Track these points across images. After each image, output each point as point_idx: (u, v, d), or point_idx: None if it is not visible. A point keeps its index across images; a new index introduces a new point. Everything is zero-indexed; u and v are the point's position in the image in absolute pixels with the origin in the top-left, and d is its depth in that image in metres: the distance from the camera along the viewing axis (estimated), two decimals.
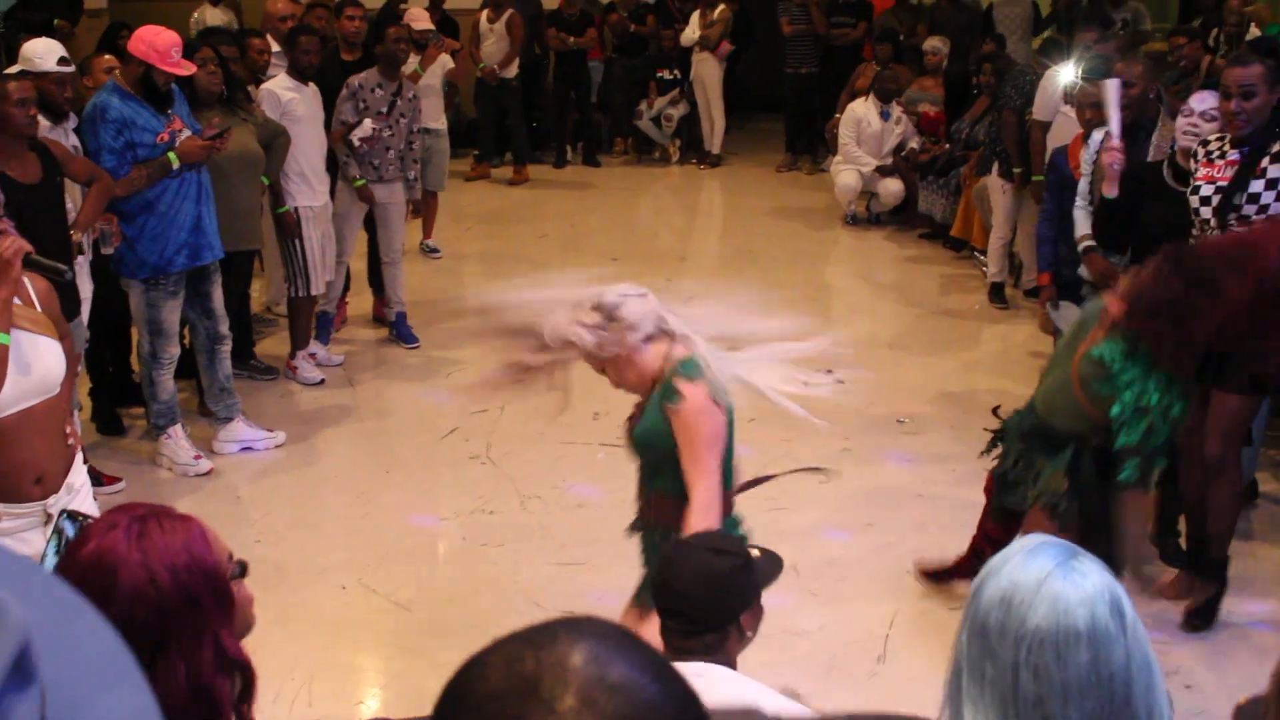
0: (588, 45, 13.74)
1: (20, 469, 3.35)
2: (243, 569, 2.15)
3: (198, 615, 2.01)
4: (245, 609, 2.15)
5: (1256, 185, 4.81)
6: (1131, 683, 1.92)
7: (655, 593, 2.90)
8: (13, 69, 6.00)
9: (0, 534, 3.30)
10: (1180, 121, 5.42)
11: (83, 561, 1.99)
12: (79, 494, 3.55)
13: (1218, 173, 4.96)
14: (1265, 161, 4.80)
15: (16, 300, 3.41)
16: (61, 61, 6.13)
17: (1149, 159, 5.76)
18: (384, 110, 7.70)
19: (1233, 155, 4.93)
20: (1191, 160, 5.17)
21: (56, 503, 3.43)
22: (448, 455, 6.65)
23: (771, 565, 3.02)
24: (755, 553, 3.00)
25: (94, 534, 2.05)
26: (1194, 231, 5.09)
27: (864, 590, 5.28)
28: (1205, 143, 5.11)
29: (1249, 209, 4.82)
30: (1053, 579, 1.92)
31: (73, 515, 2.50)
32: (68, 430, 3.58)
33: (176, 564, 2.00)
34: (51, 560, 2.47)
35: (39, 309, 3.50)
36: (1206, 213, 4.98)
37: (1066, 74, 7.62)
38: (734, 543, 3.00)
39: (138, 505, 2.12)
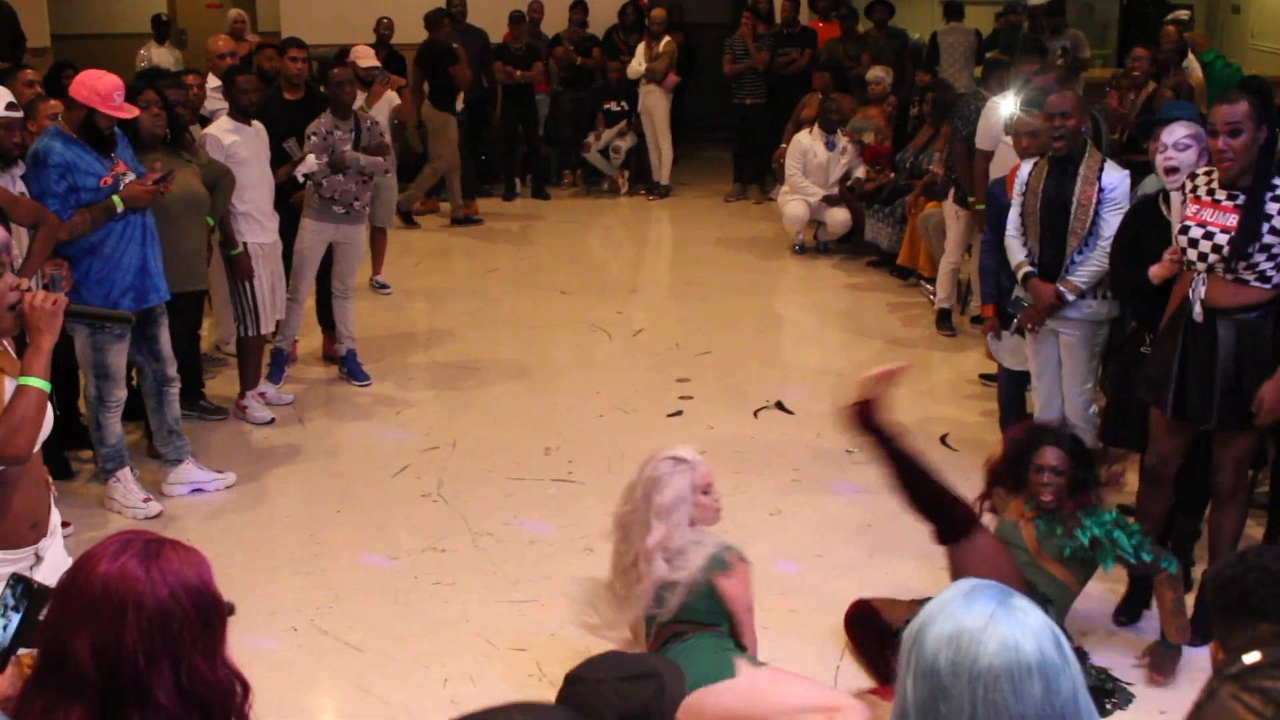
0: (534, 78, 13.79)
1: (22, 516, 3.45)
2: (230, 608, 2.31)
3: (210, 633, 2.19)
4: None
5: (1269, 237, 4.77)
6: (1079, 711, 1.99)
7: None
8: None
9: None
10: (1157, 158, 5.48)
11: (101, 576, 2.14)
12: (57, 536, 3.63)
13: (1210, 215, 4.91)
14: (1272, 209, 4.76)
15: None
16: (10, 106, 6.12)
17: (1079, 190, 5.83)
18: (349, 149, 7.75)
19: (1225, 200, 4.87)
20: (1178, 194, 5.21)
21: (43, 546, 3.51)
22: (399, 493, 6.64)
23: (677, 675, 2.85)
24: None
25: (106, 553, 2.17)
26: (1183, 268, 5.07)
27: (815, 622, 5.30)
28: (1193, 175, 5.07)
29: (1259, 258, 4.82)
30: (998, 618, 1.98)
31: (23, 578, 2.55)
32: (49, 478, 3.67)
33: (191, 585, 2.17)
34: (1, 625, 2.50)
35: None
36: (1194, 255, 4.93)
37: (1007, 105, 7.72)
38: (636, 660, 2.81)
39: (143, 532, 2.26)
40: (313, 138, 7.71)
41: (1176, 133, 5.35)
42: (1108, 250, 5.77)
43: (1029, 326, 6.12)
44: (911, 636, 2.05)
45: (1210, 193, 4.92)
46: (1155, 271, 5.26)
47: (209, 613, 2.19)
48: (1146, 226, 5.49)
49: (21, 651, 2.48)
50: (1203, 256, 4.89)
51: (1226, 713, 2.29)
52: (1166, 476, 5.23)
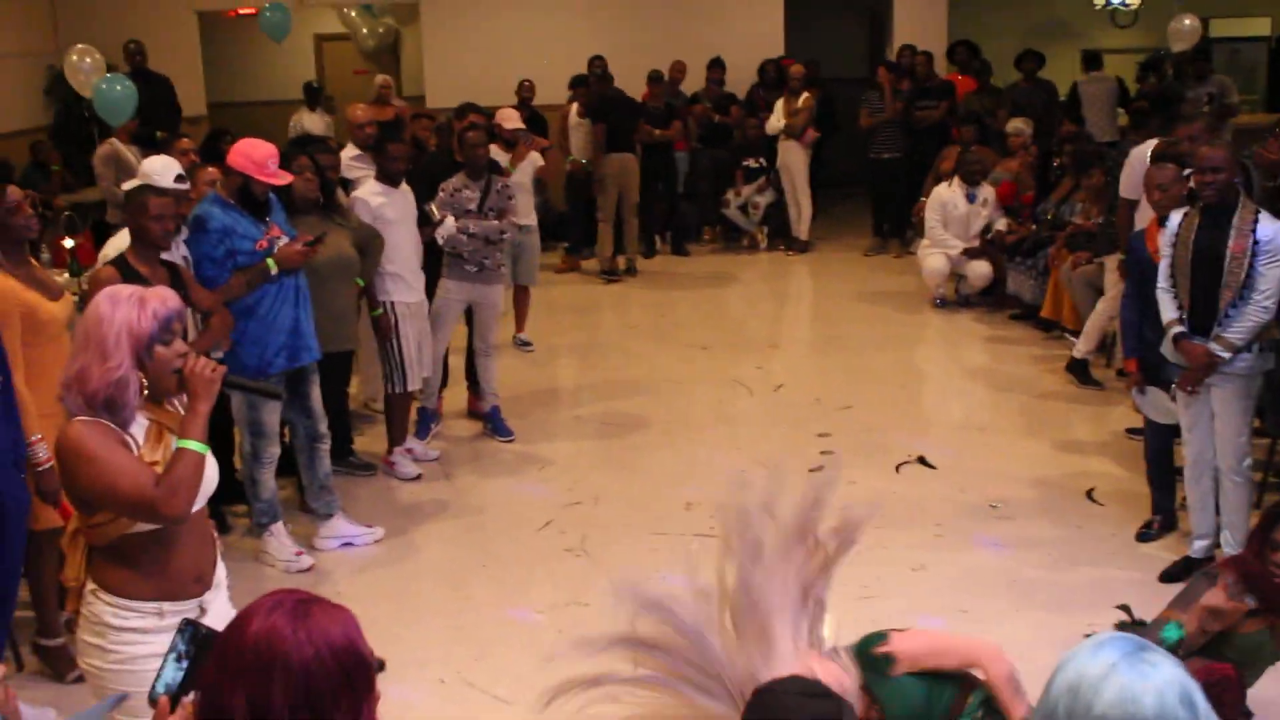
0: (673, 137, 13.92)
1: (186, 569, 3.59)
2: (381, 665, 2.29)
3: (354, 694, 2.22)
4: (375, 702, 2.32)
5: None
6: None
7: None
8: (129, 184, 6.30)
9: (167, 629, 3.43)
10: None
11: (253, 636, 2.20)
12: (222, 589, 3.77)
13: None
14: None
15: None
16: (178, 179, 6.41)
17: (1231, 242, 5.72)
18: (473, 209, 7.88)
19: None
20: None
21: (207, 599, 3.64)
22: (543, 548, 6.72)
23: (852, 710, 2.90)
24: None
25: (258, 612, 2.24)
26: None
27: None
28: None
29: None
30: (1119, 669, 1.97)
31: (192, 623, 2.66)
32: (214, 533, 3.83)
33: (337, 645, 2.21)
34: (173, 667, 2.61)
35: None
36: None
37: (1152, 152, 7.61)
38: (822, 685, 2.87)
39: (298, 590, 2.32)
40: (440, 194, 7.89)
41: None
42: (1264, 304, 5.65)
43: (1188, 390, 5.98)
44: (1047, 682, 2.06)
45: None
46: None
47: (354, 672, 2.23)
48: None
49: (186, 699, 2.57)
50: None
51: None
52: None
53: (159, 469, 3.43)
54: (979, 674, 3.73)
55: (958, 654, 3.74)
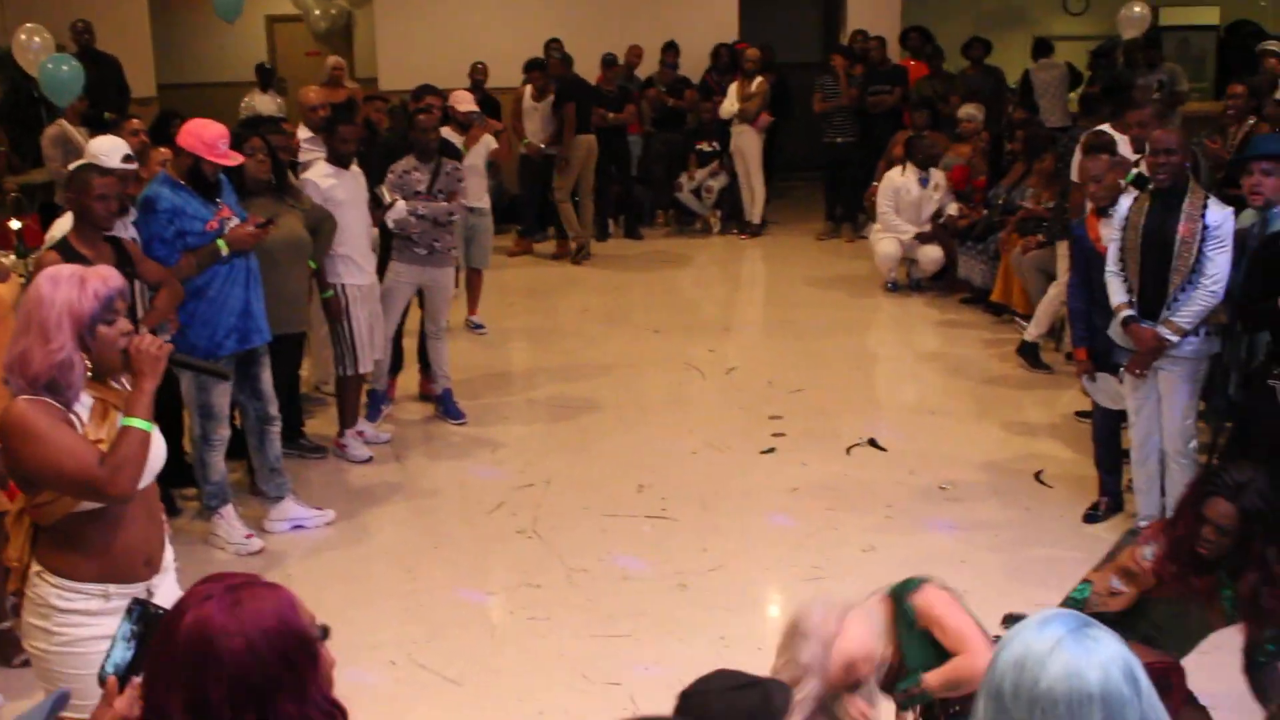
0: (627, 120, 13.91)
1: (134, 551, 3.56)
2: (325, 632, 2.30)
3: (295, 674, 2.17)
4: (328, 669, 2.29)
5: None
6: None
7: None
8: (75, 164, 6.25)
9: (113, 612, 3.41)
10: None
11: (184, 633, 2.15)
12: (170, 572, 3.73)
13: None
14: None
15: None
16: (125, 159, 6.36)
17: (1181, 226, 5.77)
18: (422, 191, 7.84)
19: None
20: None
21: (155, 582, 3.61)
22: (495, 530, 6.72)
23: (784, 689, 2.90)
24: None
25: (190, 605, 2.20)
26: None
27: None
28: None
29: None
30: (1065, 644, 2.00)
31: (142, 603, 2.63)
32: (163, 515, 3.79)
33: (270, 630, 2.16)
34: (123, 647, 2.59)
35: None
36: None
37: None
38: (744, 674, 2.83)
39: (230, 575, 2.27)
40: (390, 176, 7.86)
41: None
42: (1212, 289, 5.71)
43: (1135, 373, 6.04)
44: (992, 658, 2.10)
45: None
46: None
47: (293, 653, 2.18)
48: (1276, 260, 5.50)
49: (135, 679, 2.56)
50: None
51: None
52: None
53: (104, 447, 3.40)
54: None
55: (956, 635, 3.73)
